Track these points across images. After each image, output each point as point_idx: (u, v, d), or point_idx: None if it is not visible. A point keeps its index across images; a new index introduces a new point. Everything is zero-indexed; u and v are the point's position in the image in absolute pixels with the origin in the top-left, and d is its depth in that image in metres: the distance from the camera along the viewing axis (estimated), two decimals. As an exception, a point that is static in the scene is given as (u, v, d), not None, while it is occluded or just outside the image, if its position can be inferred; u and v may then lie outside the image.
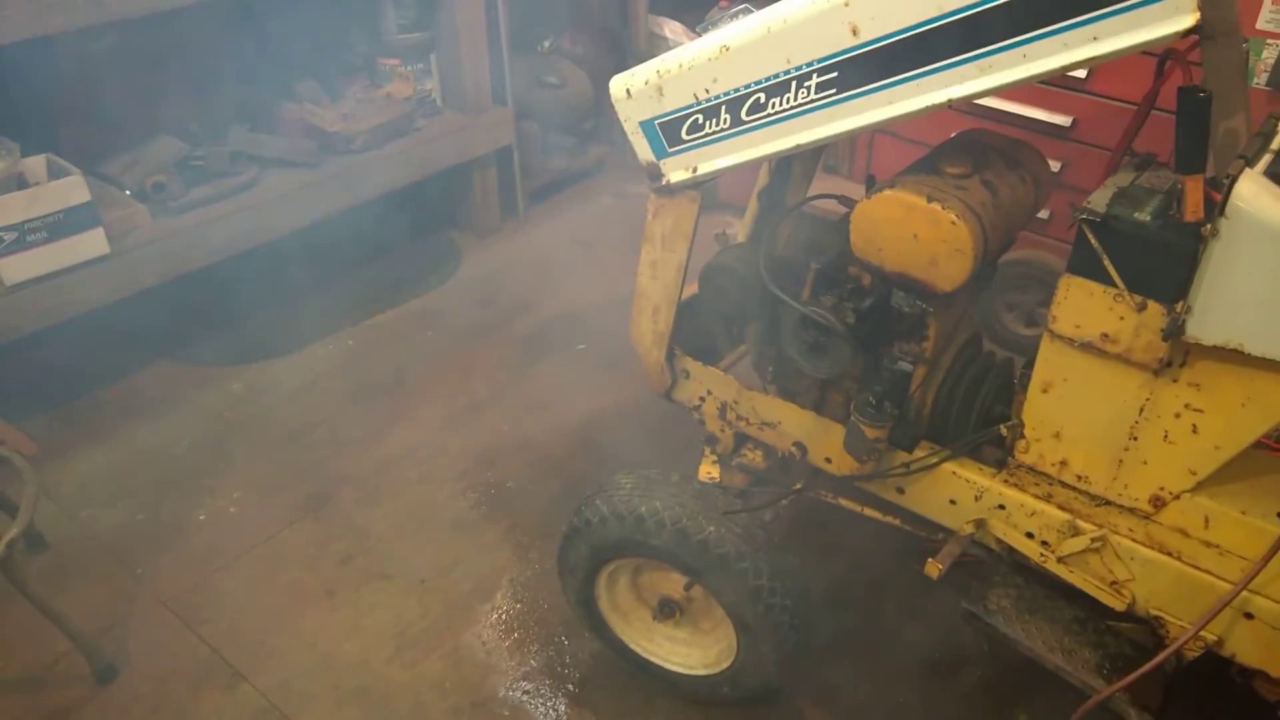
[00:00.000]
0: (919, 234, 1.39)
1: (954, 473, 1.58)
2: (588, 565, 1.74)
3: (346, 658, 1.97)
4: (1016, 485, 1.54)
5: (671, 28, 3.94)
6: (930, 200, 1.37)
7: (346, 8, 3.13)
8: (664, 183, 1.60)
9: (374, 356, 2.91)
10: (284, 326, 3.01)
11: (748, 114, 1.44)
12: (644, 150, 1.60)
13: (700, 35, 3.73)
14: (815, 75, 1.34)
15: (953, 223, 1.36)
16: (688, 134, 1.52)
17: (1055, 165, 2.65)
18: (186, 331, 2.92)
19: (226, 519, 2.32)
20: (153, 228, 2.57)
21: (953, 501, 1.61)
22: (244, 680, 1.93)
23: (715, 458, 1.87)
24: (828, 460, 1.74)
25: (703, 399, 1.89)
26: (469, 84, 3.27)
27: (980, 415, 1.61)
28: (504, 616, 2.06)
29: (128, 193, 2.63)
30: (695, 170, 1.55)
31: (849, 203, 1.55)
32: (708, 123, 1.49)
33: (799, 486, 1.80)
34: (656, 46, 3.91)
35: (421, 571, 2.18)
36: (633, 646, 1.85)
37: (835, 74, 1.32)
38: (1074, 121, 2.66)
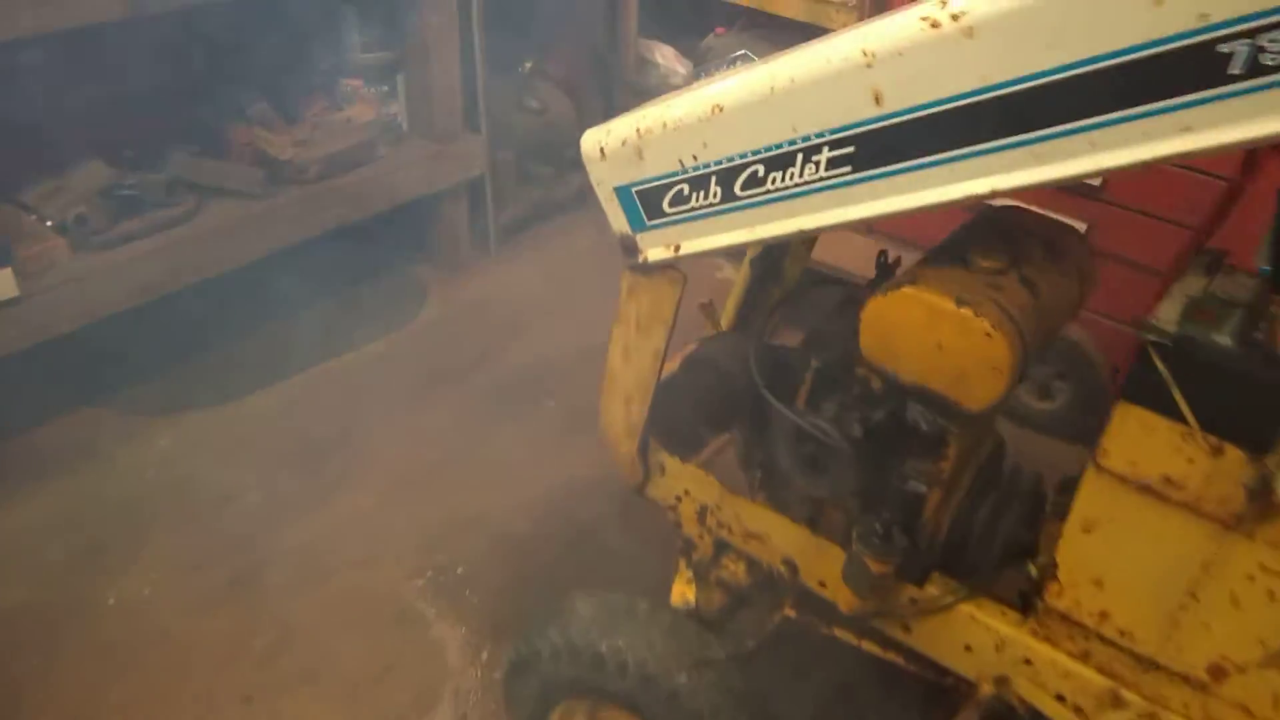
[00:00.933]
0: (945, 343, 1.16)
1: (972, 616, 1.34)
2: (537, 701, 1.49)
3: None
4: (1047, 638, 1.30)
5: (663, 53, 3.72)
6: (960, 304, 1.14)
7: (305, 23, 2.89)
8: (641, 260, 1.36)
9: (320, 410, 2.65)
10: (221, 374, 2.75)
11: (743, 189, 1.20)
12: (618, 220, 1.36)
13: (695, 68, 3.48)
14: (827, 149, 1.11)
15: (988, 334, 1.12)
16: (670, 206, 1.29)
17: (1080, 226, 2.43)
18: (110, 377, 2.66)
19: (139, 603, 2.06)
20: (72, 265, 2.32)
21: (968, 648, 1.37)
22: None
23: (691, 574, 1.62)
24: (822, 584, 1.50)
25: (679, 499, 1.65)
26: (439, 108, 3.03)
27: (1004, 545, 1.37)
28: (445, 736, 1.80)
29: (49, 224, 2.36)
30: (678, 249, 1.32)
31: (858, 292, 1.32)
32: (694, 195, 1.25)
33: (788, 613, 1.56)
34: (646, 73, 3.69)
35: (354, 675, 1.92)
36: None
37: (851, 149, 1.09)
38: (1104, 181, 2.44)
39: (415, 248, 3.34)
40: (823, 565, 1.49)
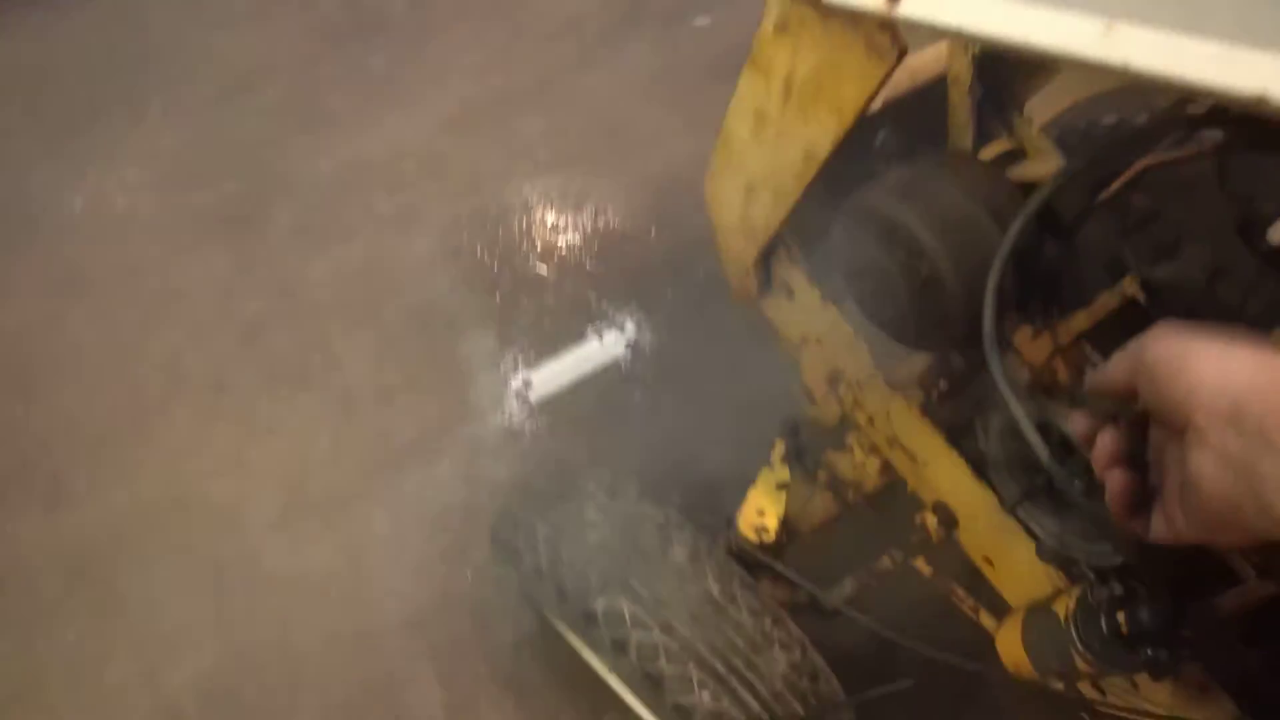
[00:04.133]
0: None
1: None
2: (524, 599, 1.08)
3: (210, 509, 1.44)
4: None
5: None
6: None
7: None
8: (812, -12, 0.62)
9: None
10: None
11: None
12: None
13: None
14: None
15: None
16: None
17: None
18: None
19: (109, 214, 1.68)
20: None
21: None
22: (69, 501, 1.44)
23: (784, 472, 1.07)
24: (989, 562, 0.95)
25: (805, 341, 1.05)
26: None
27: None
28: (440, 504, 1.45)
29: None
30: None
31: None
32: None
33: (921, 568, 1.03)
34: None
35: (352, 385, 1.55)
36: (598, 669, 1.24)
37: None
38: None
39: None
40: (1000, 546, 0.92)
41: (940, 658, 0.89)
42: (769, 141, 0.83)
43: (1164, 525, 0.50)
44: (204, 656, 1.34)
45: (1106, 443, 0.51)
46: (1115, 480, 0.51)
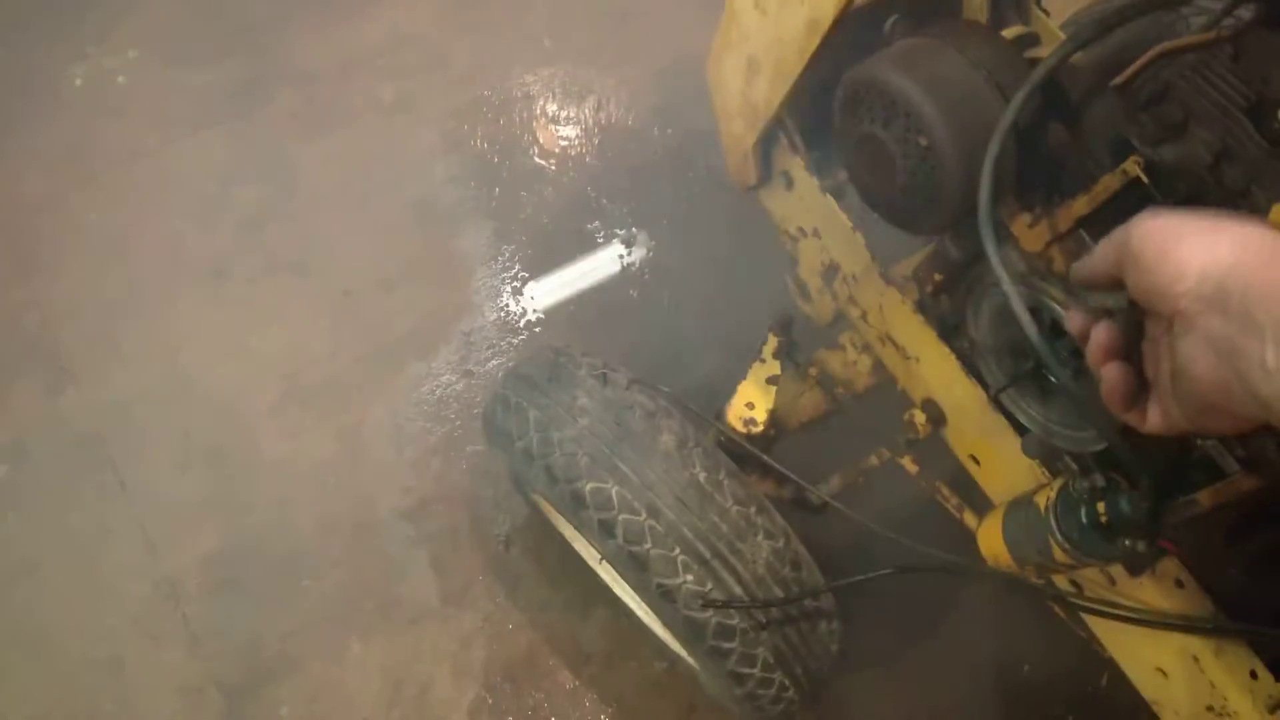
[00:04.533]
0: None
1: (1195, 658, 0.80)
2: (512, 477, 1.09)
3: (210, 395, 1.45)
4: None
5: None
6: None
7: None
8: None
9: None
10: None
11: None
12: None
13: None
14: None
15: None
16: None
17: None
18: None
19: (111, 93, 1.65)
20: None
21: (1162, 673, 0.86)
22: (73, 384, 1.45)
23: (774, 366, 1.06)
24: (974, 460, 0.96)
25: (803, 234, 1.04)
26: None
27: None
28: (436, 396, 1.46)
29: None
30: None
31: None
32: None
33: (907, 465, 1.04)
34: None
35: (350, 275, 1.54)
36: (586, 559, 1.26)
37: None
38: None
39: None
40: (987, 443, 0.93)
41: (921, 550, 0.90)
42: (772, 10, 0.80)
43: (1159, 416, 0.49)
44: (203, 541, 1.37)
45: (1101, 336, 0.51)
46: (1111, 374, 0.50)
